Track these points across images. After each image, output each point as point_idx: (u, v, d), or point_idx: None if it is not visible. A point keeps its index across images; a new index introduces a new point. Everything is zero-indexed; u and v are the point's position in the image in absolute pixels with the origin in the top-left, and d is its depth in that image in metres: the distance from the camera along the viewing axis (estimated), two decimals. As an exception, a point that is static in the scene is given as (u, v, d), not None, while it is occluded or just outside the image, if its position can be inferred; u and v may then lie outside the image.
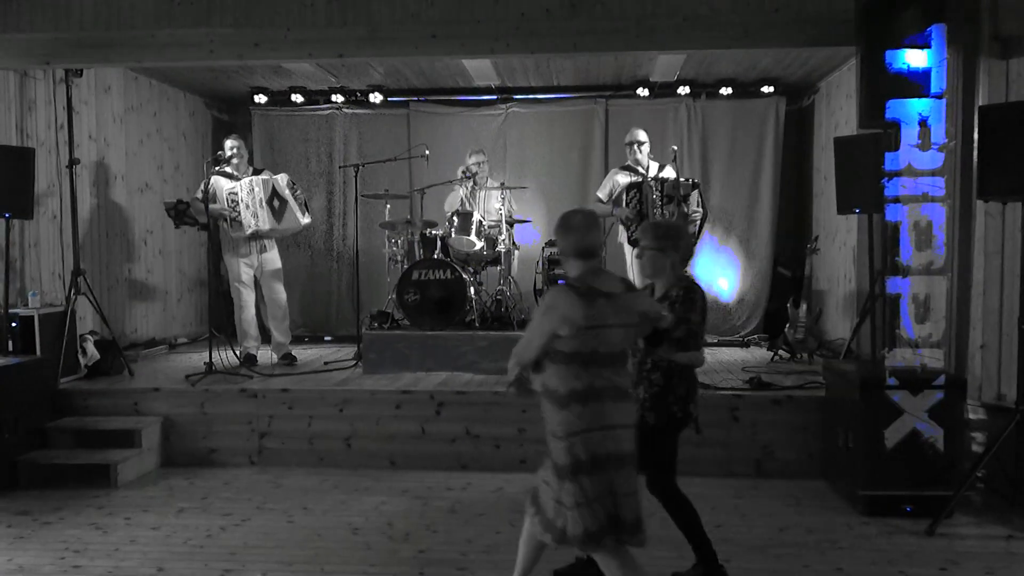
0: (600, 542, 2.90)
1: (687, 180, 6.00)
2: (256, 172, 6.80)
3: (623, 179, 6.32)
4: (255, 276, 6.87)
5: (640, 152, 6.41)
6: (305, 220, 6.75)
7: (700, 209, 6.01)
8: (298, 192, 6.70)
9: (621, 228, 6.39)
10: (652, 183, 5.87)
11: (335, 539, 4.29)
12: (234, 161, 6.66)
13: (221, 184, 6.59)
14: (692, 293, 3.49)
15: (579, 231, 2.99)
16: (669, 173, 6.31)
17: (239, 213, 6.50)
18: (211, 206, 6.39)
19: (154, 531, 4.43)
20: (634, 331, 3.06)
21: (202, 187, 6.39)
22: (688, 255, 3.68)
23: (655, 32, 5.47)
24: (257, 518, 4.62)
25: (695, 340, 3.47)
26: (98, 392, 5.87)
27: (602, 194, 6.52)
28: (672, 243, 3.47)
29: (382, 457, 5.54)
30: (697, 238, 6.08)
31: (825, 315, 7.68)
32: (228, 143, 6.73)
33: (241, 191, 6.51)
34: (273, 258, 6.88)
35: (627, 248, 6.39)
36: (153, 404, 5.77)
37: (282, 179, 6.64)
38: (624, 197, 6.03)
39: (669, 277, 3.52)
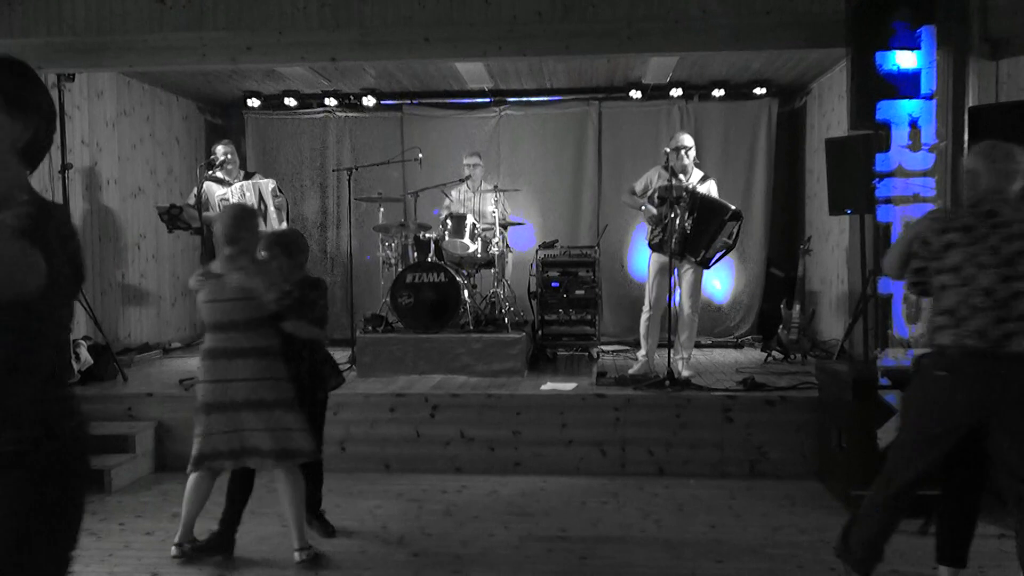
0: (213, 465, 3.90)
1: (729, 207, 5.88)
2: (247, 176, 6.80)
3: (660, 180, 6.16)
4: (250, 279, 6.85)
5: (687, 158, 6.12)
6: (283, 228, 6.72)
7: (730, 240, 5.90)
8: (279, 200, 6.68)
9: (648, 227, 6.27)
10: (684, 192, 5.76)
11: (330, 543, 4.29)
12: (227, 167, 6.65)
13: (213, 190, 6.57)
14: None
15: (221, 223, 3.83)
16: (711, 189, 6.17)
17: (232, 218, 6.49)
18: (205, 214, 6.37)
19: (148, 536, 4.43)
20: (231, 305, 3.78)
21: (194, 193, 6.38)
22: (300, 262, 4.12)
23: (647, 34, 5.49)
24: (251, 522, 4.60)
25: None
26: (91, 397, 5.83)
27: (638, 187, 6.34)
28: (281, 250, 4.01)
29: (376, 460, 5.53)
30: (713, 262, 6.01)
31: (818, 316, 7.71)
32: (219, 148, 6.72)
33: (232, 197, 6.50)
34: (268, 261, 6.87)
35: (647, 250, 6.26)
36: (147, 409, 5.76)
37: (267, 185, 6.63)
38: (656, 197, 5.98)
39: (286, 278, 3.90)
